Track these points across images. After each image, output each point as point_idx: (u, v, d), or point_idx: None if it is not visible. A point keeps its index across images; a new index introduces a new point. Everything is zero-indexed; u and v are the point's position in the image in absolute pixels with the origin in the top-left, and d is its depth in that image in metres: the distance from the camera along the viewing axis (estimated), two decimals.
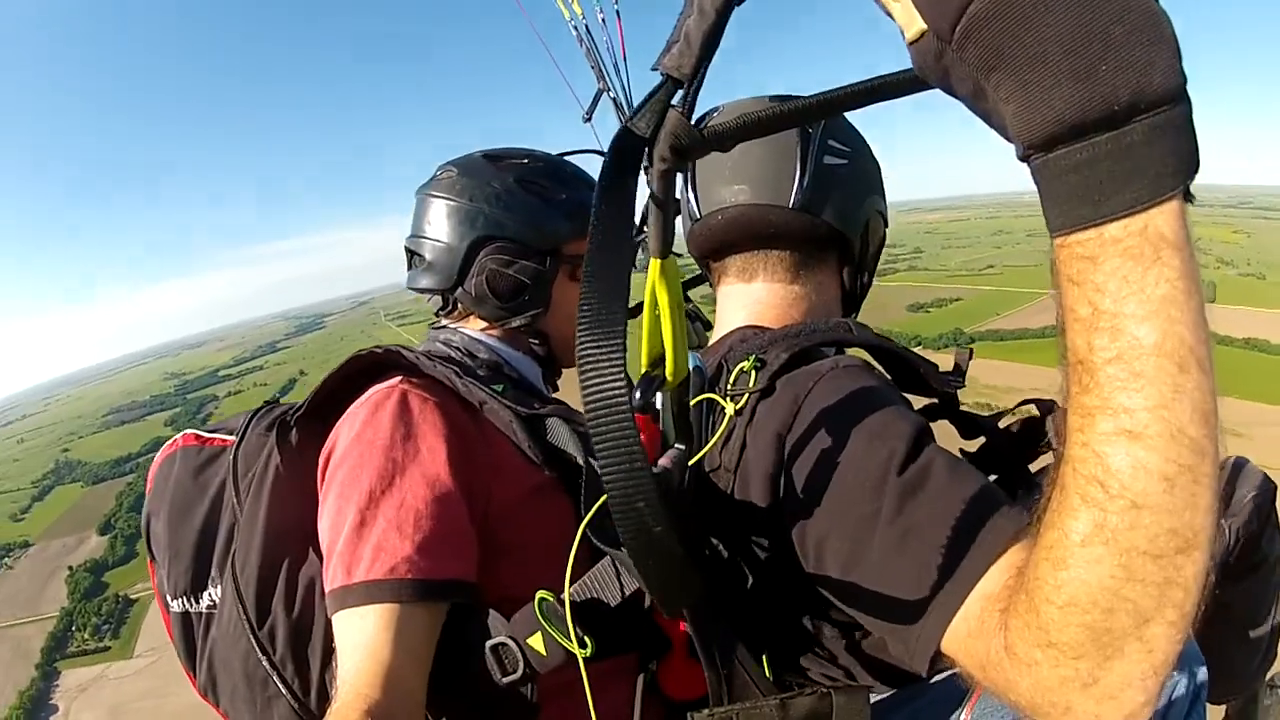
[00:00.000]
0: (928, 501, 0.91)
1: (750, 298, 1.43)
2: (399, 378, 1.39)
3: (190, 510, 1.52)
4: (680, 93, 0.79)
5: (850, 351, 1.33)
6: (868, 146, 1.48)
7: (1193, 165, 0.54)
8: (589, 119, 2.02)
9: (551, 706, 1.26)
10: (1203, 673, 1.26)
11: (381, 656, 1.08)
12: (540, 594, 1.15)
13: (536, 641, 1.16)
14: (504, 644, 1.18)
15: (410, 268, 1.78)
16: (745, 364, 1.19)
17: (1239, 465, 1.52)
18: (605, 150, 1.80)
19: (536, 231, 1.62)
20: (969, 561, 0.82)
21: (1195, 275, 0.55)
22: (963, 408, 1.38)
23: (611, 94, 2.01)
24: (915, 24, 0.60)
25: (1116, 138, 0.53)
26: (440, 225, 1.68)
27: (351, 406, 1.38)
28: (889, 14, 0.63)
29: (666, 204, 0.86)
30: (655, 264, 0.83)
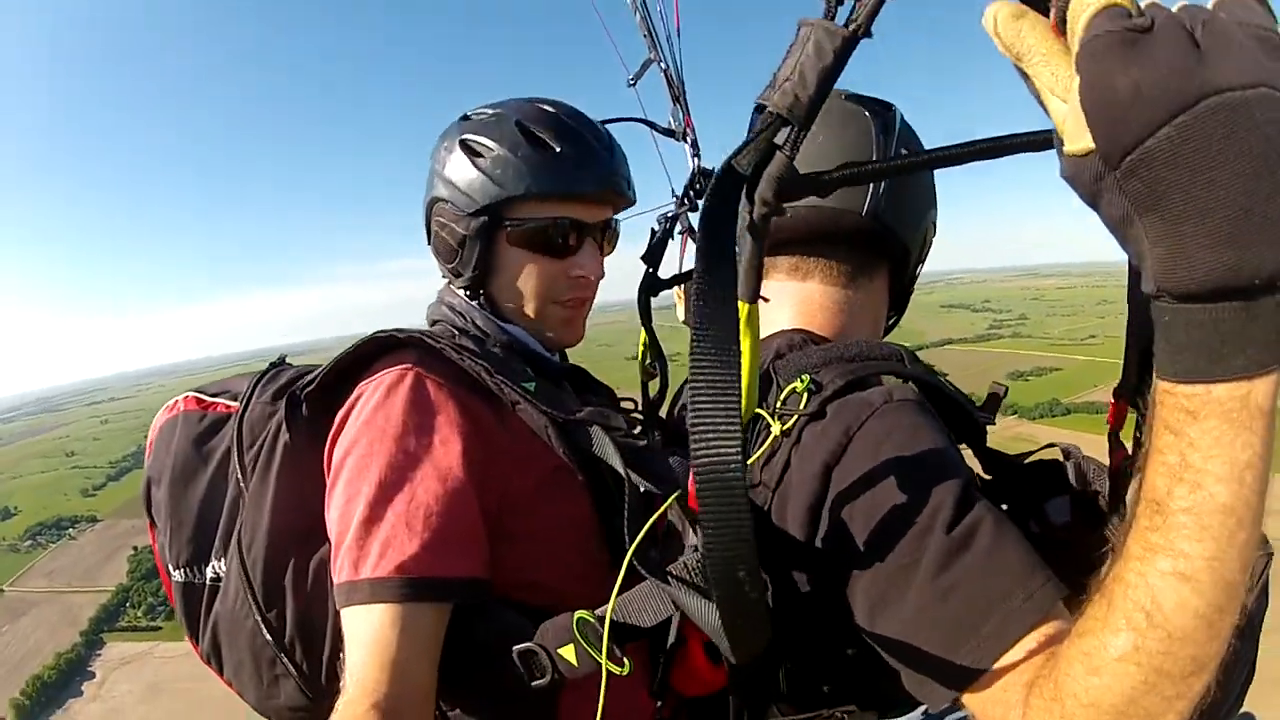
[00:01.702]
0: (972, 563, 0.92)
1: (801, 297, 1.41)
2: (413, 359, 1.32)
3: (193, 480, 1.48)
4: (787, 132, 0.79)
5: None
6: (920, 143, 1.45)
7: None
8: (634, 84, 2.01)
9: (566, 699, 1.27)
10: None
11: (389, 652, 1.08)
12: (579, 614, 1.13)
13: (568, 652, 1.14)
14: (533, 651, 1.16)
15: None
16: (798, 384, 1.19)
17: None
18: (646, 120, 1.87)
19: (462, 194, 1.51)
20: (1003, 629, 0.86)
21: (1271, 443, 0.59)
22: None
23: (662, 65, 1.97)
24: (1083, 141, 0.60)
25: (1248, 307, 0.55)
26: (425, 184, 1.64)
27: (361, 386, 1.32)
28: (1046, 110, 0.64)
29: (760, 247, 0.84)
30: (744, 308, 0.83)
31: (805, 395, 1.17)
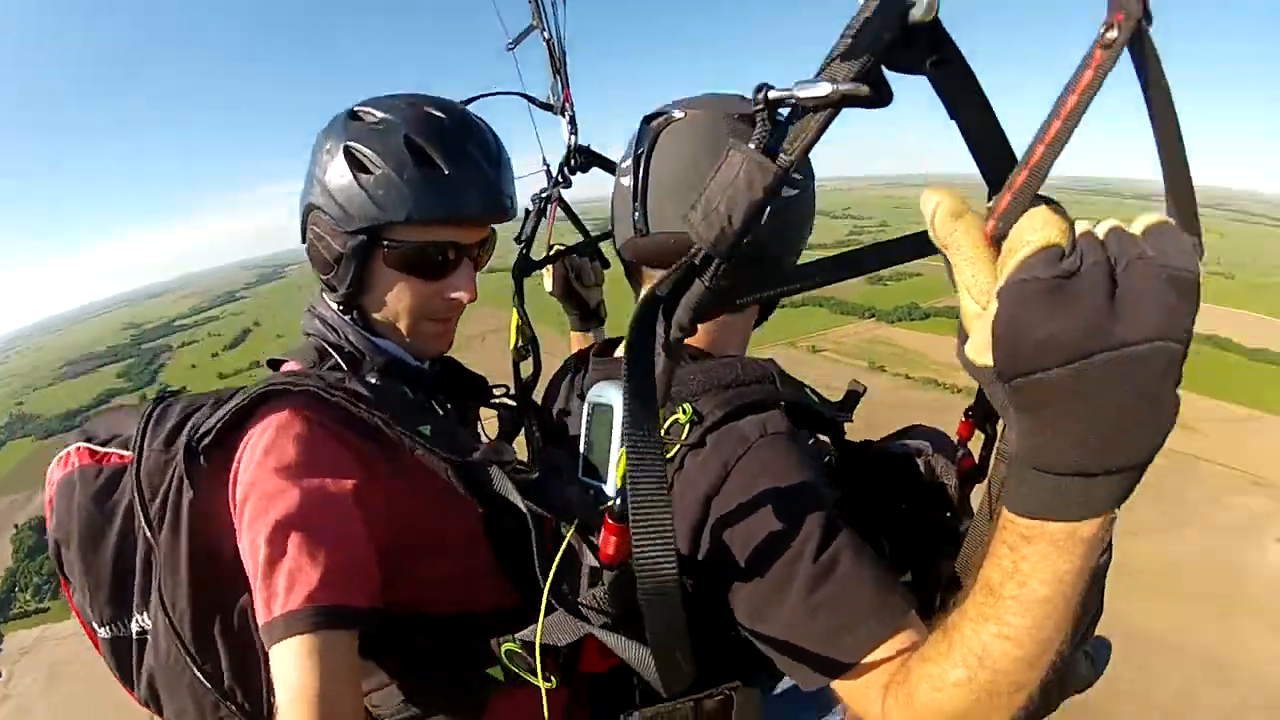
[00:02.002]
0: (836, 586, 1.07)
1: None
2: (301, 402, 1.35)
3: (101, 539, 1.46)
4: (712, 265, 0.87)
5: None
6: (812, 169, 1.51)
7: (1126, 497, 0.68)
8: (512, 48, 1.98)
9: (497, 700, 1.44)
10: None
11: (310, 685, 1.11)
12: (507, 646, 1.27)
13: (495, 672, 1.36)
14: (461, 677, 1.39)
15: None
16: (680, 415, 1.27)
17: None
18: (525, 94, 1.93)
19: (341, 211, 1.45)
20: (862, 640, 1.03)
21: (1092, 557, 0.72)
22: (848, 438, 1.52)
23: (545, 34, 1.92)
24: (985, 358, 0.69)
25: (1089, 481, 0.67)
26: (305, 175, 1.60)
27: (251, 431, 1.33)
28: (962, 319, 0.73)
29: (673, 366, 0.94)
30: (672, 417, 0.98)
31: (688, 426, 1.26)
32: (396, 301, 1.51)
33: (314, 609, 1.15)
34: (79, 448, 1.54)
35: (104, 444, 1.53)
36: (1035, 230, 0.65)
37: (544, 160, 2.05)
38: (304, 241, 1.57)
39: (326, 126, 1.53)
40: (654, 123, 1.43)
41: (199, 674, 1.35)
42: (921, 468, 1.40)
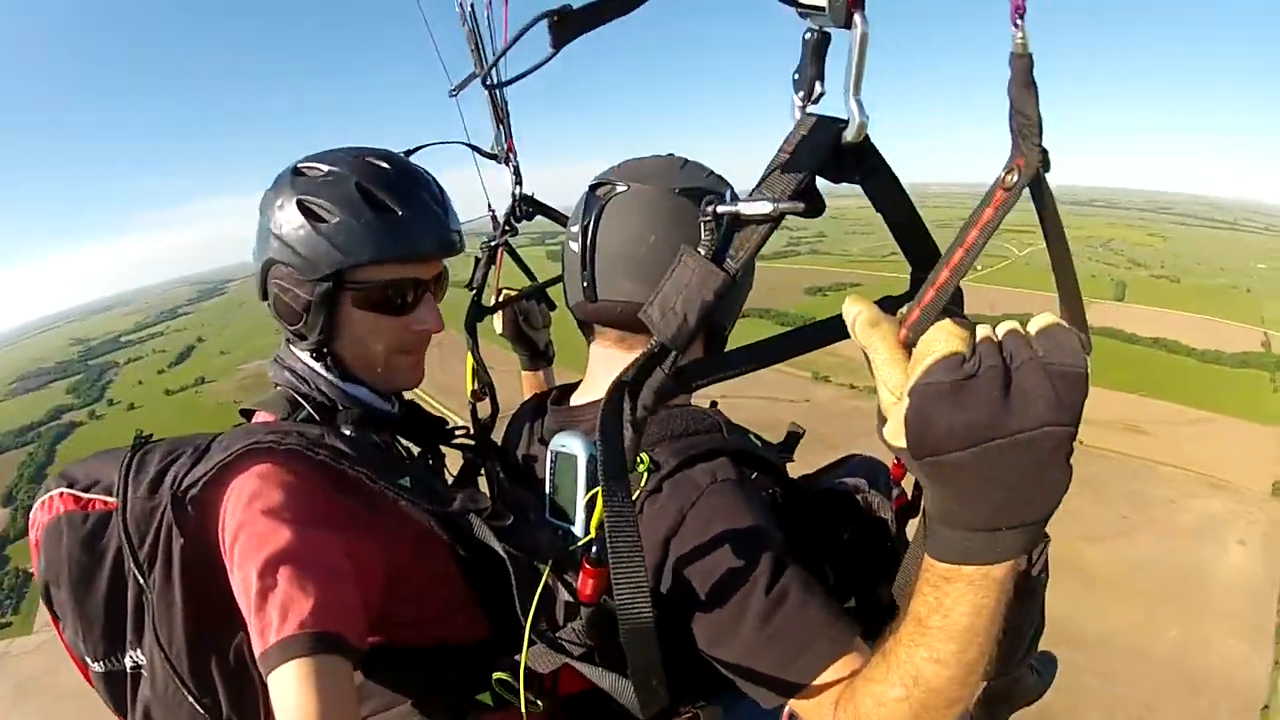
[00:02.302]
0: (786, 618, 1.19)
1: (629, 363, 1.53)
2: (280, 457, 1.40)
3: (92, 581, 1.52)
4: (671, 356, 0.99)
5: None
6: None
7: (1034, 545, 0.81)
8: (455, 95, 1.96)
9: None
10: None
11: (309, 708, 1.15)
12: (497, 676, 1.36)
13: (484, 698, 1.45)
14: (454, 703, 1.50)
15: None
16: (640, 466, 1.37)
17: None
18: (470, 144, 1.97)
19: (304, 260, 1.53)
20: (812, 664, 1.15)
21: (1005, 592, 0.84)
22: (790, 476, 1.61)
23: (487, 82, 1.91)
24: (899, 441, 0.80)
25: (993, 535, 0.79)
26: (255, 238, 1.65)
27: (235, 480, 1.39)
28: (880, 405, 0.86)
29: (639, 440, 1.02)
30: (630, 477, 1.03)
31: (645, 474, 1.36)
32: (370, 340, 1.61)
33: (308, 635, 1.20)
34: (62, 493, 1.57)
35: (86, 489, 1.57)
36: (939, 342, 0.77)
37: (490, 208, 2.13)
38: (264, 298, 1.62)
39: (272, 186, 1.60)
40: (599, 192, 1.53)
41: (199, 705, 1.41)
42: (861, 503, 1.55)
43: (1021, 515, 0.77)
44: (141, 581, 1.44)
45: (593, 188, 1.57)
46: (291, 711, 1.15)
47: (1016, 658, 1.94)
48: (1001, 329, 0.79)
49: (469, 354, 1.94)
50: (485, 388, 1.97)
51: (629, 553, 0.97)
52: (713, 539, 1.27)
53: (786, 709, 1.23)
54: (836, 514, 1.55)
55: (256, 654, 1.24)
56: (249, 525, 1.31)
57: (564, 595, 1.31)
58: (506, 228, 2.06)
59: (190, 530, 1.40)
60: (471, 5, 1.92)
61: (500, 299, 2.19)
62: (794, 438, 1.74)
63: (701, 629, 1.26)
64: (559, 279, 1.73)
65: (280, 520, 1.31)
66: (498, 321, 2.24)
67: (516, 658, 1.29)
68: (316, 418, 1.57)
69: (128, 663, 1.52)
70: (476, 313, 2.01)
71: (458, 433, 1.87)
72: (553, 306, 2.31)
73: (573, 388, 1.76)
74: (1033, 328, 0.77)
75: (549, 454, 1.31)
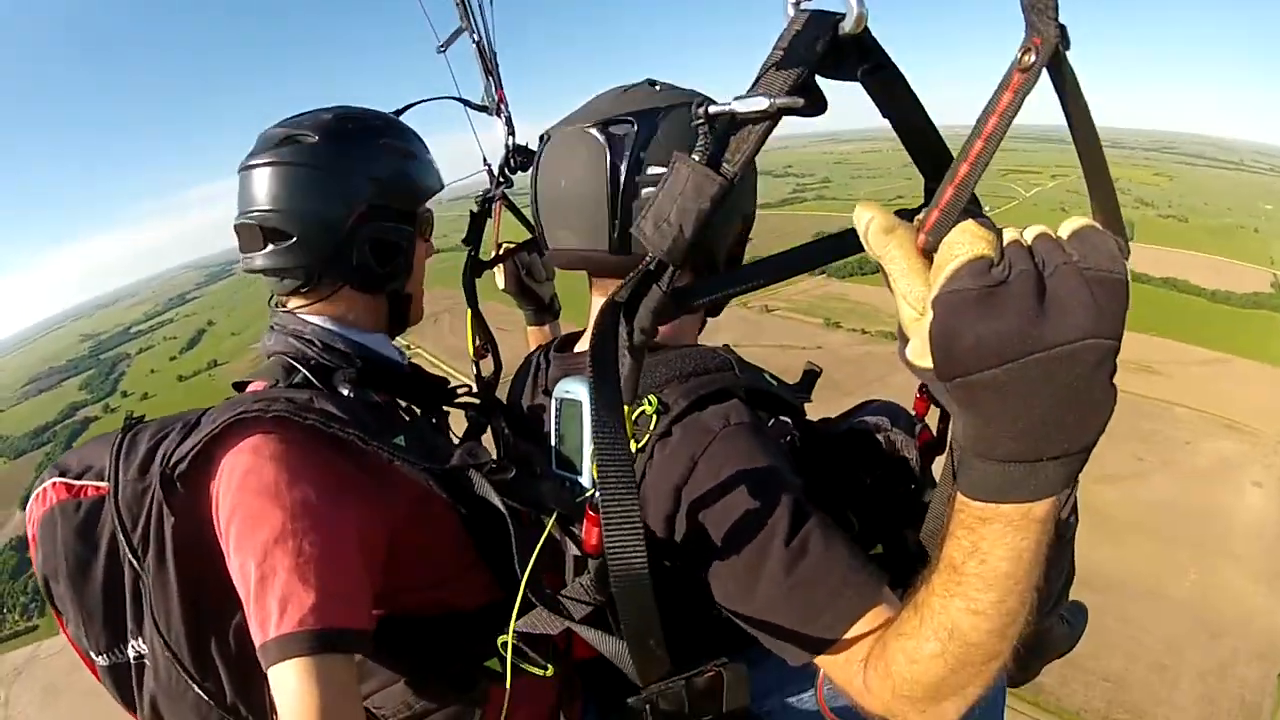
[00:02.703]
0: (808, 568, 1.11)
1: None
2: (269, 425, 1.36)
3: (89, 570, 1.48)
4: (667, 272, 0.93)
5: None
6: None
7: (1075, 479, 0.73)
8: (443, 50, 2.00)
9: (495, 700, 1.49)
10: None
11: (309, 706, 1.14)
12: (502, 638, 1.27)
13: (493, 664, 1.42)
14: (464, 671, 1.47)
15: (257, 247, 1.63)
16: (647, 406, 1.31)
17: None
18: (460, 98, 1.98)
19: (407, 195, 1.66)
20: (838, 619, 1.07)
21: (1047, 533, 0.76)
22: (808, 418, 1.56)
23: (474, 35, 1.94)
24: (925, 361, 0.73)
25: (1032, 467, 0.71)
26: (312, 196, 1.59)
27: (226, 455, 1.35)
28: (901, 325, 0.78)
29: (639, 365, 0.98)
30: (625, 409, 0.95)
31: (655, 416, 1.29)
32: (420, 270, 1.75)
33: (308, 633, 1.18)
34: (55, 483, 1.53)
35: (78, 477, 1.53)
36: (963, 244, 0.68)
37: (485, 161, 2.09)
38: (334, 253, 1.60)
39: (328, 133, 1.60)
40: (541, 142, 1.50)
41: (201, 691, 1.38)
42: (883, 443, 1.47)
43: (1064, 443, 0.70)
44: (137, 566, 1.41)
45: (541, 137, 1.52)
46: (290, 711, 1.14)
47: (1048, 607, 1.91)
48: (1030, 232, 0.71)
49: (469, 311, 1.92)
50: (487, 344, 1.96)
51: (620, 492, 0.90)
52: (727, 487, 1.20)
53: (820, 679, 1.18)
54: (858, 456, 1.49)
55: (256, 644, 1.22)
56: (242, 507, 1.28)
57: (572, 550, 1.26)
58: (501, 179, 2.03)
59: (180, 508, 1.36)
60: None
61: (499, 253, 2.15)
62: (811, 377, 1.66)
63: (719, 583, 1.20)
64: None
65: (274, 499, 1.27)
66: (499, 277, 2.20)
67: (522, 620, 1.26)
68: (313, 380, 1.53)
69: (130, 653, 1.49)
70: (474, 268, 1.98)
71: (460, 391, 1.84)
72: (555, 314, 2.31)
73: (578, 336, 1.69)
74: (1064, 231, 0.71)
75: (553, 402, 1.27)
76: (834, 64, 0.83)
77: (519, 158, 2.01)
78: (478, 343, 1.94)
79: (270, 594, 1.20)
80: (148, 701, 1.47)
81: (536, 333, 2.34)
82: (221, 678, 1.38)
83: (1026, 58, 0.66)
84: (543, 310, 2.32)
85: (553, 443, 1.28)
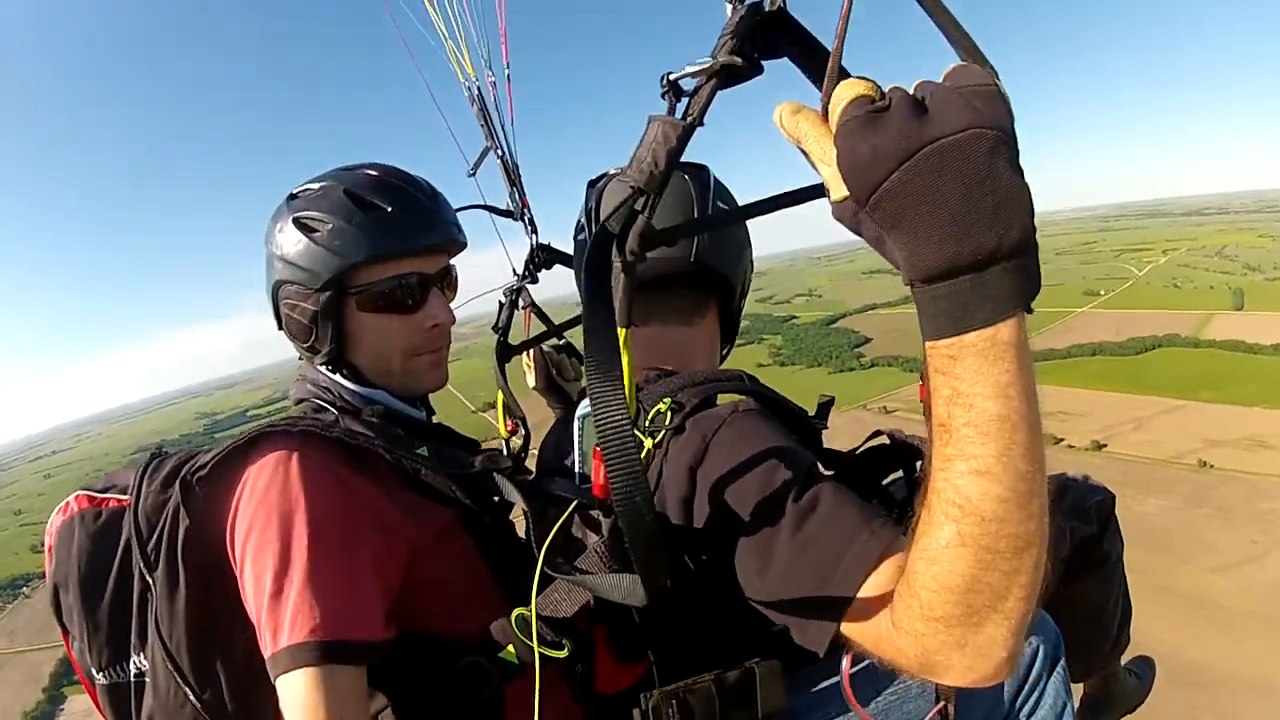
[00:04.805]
0: (820, 519, 1.10)
1: (646, 340, 1.61)
2: (295, 442, 1.37)
3: (100, 580, 1.48)
4: (645, 200, 1.01)
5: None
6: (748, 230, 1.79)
7: (1031, 292, 0.75)
8: (474, 174, 2.15)
9: (511, 713, 1.39)
10: (1057, 645, 1.61)
11: (319, 713, 1.15)
12: (517, 611, 1.30)
13: (508, 654, 1.34)
14: (477, 663, 1.35)
15: None
16: (662, 406, 1.37)
17: (1086, 479, 2.10)
18: (486, 205, 2.16)
19: (306, 272, 1.55)
20: (858, 563, 1.01)
21: (1026, 364, 0.75)
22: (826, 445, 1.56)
23: (498, 152, 2.12)
24: (841, 191, 0.81)
25: (979, 277, 0.73)
26: (264, 269, 1.67)
27: (249, 469, 1.36)
28: (819, 174, 0.86)
29: (633, 283, 1.04)
30: (623, 332, 1.01)
31: (669, 414, 1.36)
32: (383, 344, 1.59)
33: (319, 643, 1.18)
34: (78, 495, 1.56)
35: (103, 491, 1.55)
36: (846, 89, 0.80)
37: (510, 262, 2.20)
38: (280, 326, 1.64)
39: (273, 215, 1.63)
40: (598, 183, 1.69)
41: (199, 704, 1.35)
42: (896, 440, 1.51)
43: (991, 236, 0.72)
44: (147, 576, 1.40)
45: (591, 183, 1.70)
46: (301, 716, 1.15)
47: (1108, 643, 2.16)
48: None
49: (499, 392, 1.94)
50: (519, 421, 1.93)
51: (609, 393, 0.89)
52: (738, 461, 1.22)
53: (845, 663, 1.14)
54: (875, 468, 1.53)
55: (265, 655, 1.22)
56: (261, 517, 1.28)
57: (590, 539, 1.30)
58: (525, 274, 2.12)
59: (197, 512, 1.36)
60: (479, 88, 2.12)
61: (527, 340, 2.25)
62: (825, 407, 1.63)
63: (740, 561, 1.17)
64: (578, 319, 1.82)
65: (294, 511, 1.28)
66: (530, 376, 2.33)
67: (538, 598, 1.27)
68: (340, 416, 1.55)
69: (131, 670, 1.47)
70: (504, 352, 2.05)
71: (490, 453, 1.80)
72: (582, 360, 2.39)
73: None
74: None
75: (576, 421, 1.32)
76: (765, 39, 0.98)
77: (542, 255, 2.14)
78: (508, 421, 1.93)
79: (283, 605, 1.21)
80: None
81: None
82: (223, 691, 1.37)
83: None
84: (570, 407, 2.31)
85: (576, 461, 1.35)
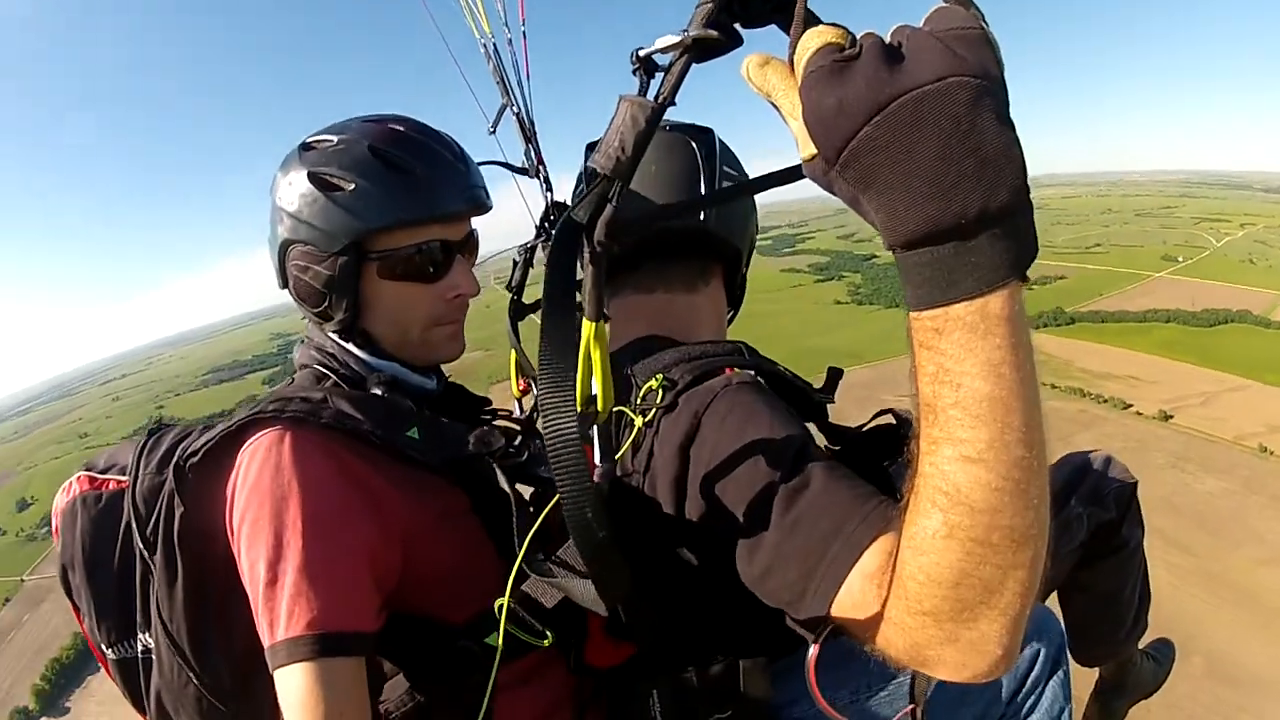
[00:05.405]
0: (810, 500, 1.04)
1: (651, 307, 1.59)
2: (289, 423, 1.34)
3: (103, 561, 1.50)
4: (614, 186, 0.95)
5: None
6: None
7: (1026, 259, 0.68)
8: (493, 131, 2.11)
9: (505, 694, 1.35)
10: (1060, 648, 1.61)
11: (318, 708, 1.14)
12: (499, 601, 1.26)
13: (492, 640, 1.30)
14: (467, 648, 1.33)
15: None
16: (653, 383, 1.33)
17: (1107, 462, 2.02)
18: (502, 162, 2.05)
19: (322, 234, 1.43)
20: (848, 546, 0.95)
21: (1022, 340, 0.68)
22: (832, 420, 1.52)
23: (514, 109, 2.09)
24: (809, 149, 0.74)
25: (964, 243, 0.66)
26: (269, 224, 1.55)
27: (243, 452, 1.33)
28: (789, 127, 0.79)
29: (601, 274, 0.98)
30: (589, 326, 0.97)
31: (661, 391, 1.31)
32: (403, 313, 1.51)
33: (316, 636, 1.16)
34: (80, 476, 1.56)
35: (103, 472, 1.55)
36: (812, 38, 0.73)
37: (530, 215, 2.14)
38: (284, 285, 1.54)
39: (281, 166, 1.50)
40: (596, 145, 1.53)
41: (202, 686, 1.36)
42: (903, 419, 1.42)
43: (975, 197, 0.65)
44: (147, 558, 1.41)
45: (589, 146, 1.56)
46: (299, 709, 1.14)
47: (1123, 630, 2.10)
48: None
49: (512, 351, 1.90)
50: (531, 380, 1.88)
51: (556, 375, 0.85)
52: (729, 435, 1.17)
53: (812, 651, 1.07)
54: (878, 450, 1.44)
55: (264, 646, 1.21)
56: (255, 505, 1.26)
57: None
58: (540, 231, 2.03)
59: (191, 498, 1.34)
60: (494, 44, 2.06)
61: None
62: (834, 377, 1.54)
63: (733, 539, 1.13)
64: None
65: (287, 499, 1.25)
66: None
67: (523, 587, 1.26)
68: (344, 388, 1.50)
69: (139, 647, 1.49)
70: (518, 311, 1.97)
71: (500, 413, 1.79)
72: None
73: None
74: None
75: None
76: (744, 7, 0.87)
77: (557, 212, 2.04)
78: (520, 381, 1.92)
79: (279, 596, 1.20)
80: (154, 698, 1.47)
81: None
82: (222, 672, 1.37)
83: None
84: None
85: None
